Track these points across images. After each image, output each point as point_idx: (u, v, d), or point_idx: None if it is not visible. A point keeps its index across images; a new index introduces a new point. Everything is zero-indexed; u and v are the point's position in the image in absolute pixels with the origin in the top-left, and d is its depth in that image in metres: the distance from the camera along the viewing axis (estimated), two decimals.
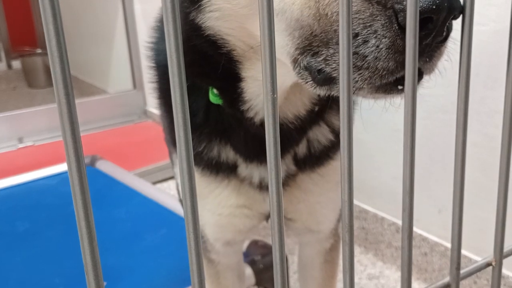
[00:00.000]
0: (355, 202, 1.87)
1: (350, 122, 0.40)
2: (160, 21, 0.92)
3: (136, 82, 3.12)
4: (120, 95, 3.15)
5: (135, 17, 3.01)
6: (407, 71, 0.42)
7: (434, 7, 0.48)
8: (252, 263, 1.42)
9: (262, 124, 0.77)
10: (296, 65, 0.60)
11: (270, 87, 0.36)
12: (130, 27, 3.03)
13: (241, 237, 1.02)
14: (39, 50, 4.04)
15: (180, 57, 0.32)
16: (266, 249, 1.47)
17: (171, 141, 0.96)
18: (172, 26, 0.31)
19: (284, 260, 0.41)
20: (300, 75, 0.61)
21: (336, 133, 0.90)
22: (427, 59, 0.55)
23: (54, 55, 0.28)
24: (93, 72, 3.69)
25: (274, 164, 0.38)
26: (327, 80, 0.59)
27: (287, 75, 0.68)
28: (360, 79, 0.55)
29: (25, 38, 4.16)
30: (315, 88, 0.61)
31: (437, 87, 1.50)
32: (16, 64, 4.23)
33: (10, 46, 4.30)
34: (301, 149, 0.88)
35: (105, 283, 1.22)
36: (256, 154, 0.84)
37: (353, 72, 0.54)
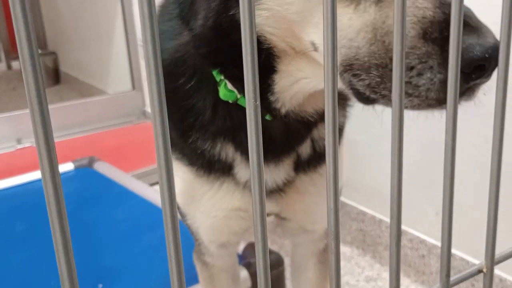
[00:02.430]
0: (353, 204, 1.86)
1: (335, 127, 0.39)
2: None
3: (135, 83, 3.12)
4: (119, 96, 3.14)
5: (134, 17, 3.01)
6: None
7: (487, 55, 0.56)
8: (248, 266, 1.41)
9: (286, 115, 0.78)
10: (342, 79, 0.66)
11: (253, 94, 0.36)
12: (129, 28, 3.03)
13: (236, 239, 1.02)
14: (39, 51, 4.03)
15: (158, 62, 0.32)
16: None
17: None
18: (150, 32, 0.31)
19: (267, 264, 0.40)
20: (346, 88, 0.67)
21: (338, 129, 0.90)
22: (471, 94, 0.62)
23: (24, 53, 0.27)
24: (92, 73, 3.69)
25: (257, 170, 0.37)
26: (369, 100, 0.65)
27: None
28: (409, 104, 0.61)
29: None
30: (359, 103, 0.67)
31: None
32: (16, 64, 4.22)
33: (10, 47, 4.30)
34: (305, 149, 0.88)
35: (100, 285, 1.21)
36: (263, 153, 0.83)
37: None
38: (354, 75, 0.63)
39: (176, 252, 0.34)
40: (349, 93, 0.67)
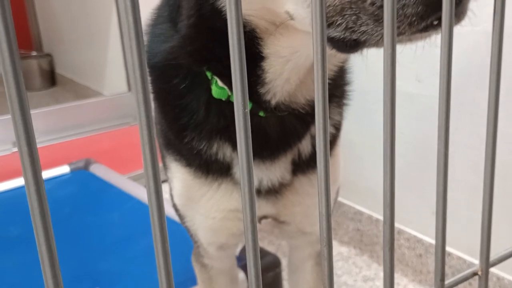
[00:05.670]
0: (350, 204, 1.86)
1: (326, 130, 0.39)
2: (149, 25, 0.91)
3: (131, 85, 3.11)
4: (115, 98, 3.13)
5: None
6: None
7: None
8: (245, 268, 1.41)
9: (276, 107, 0.77)
10: None
11: (242, 101, 0.35)
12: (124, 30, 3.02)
13: (234, 241, 1.01)
14: (34, 53, 4.03)
15: (144, 70, 0.31)
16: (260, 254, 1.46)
17: (164, 144, 0.95)
18: (135, 40, 0.30)
19: (258, 265, 0.40)
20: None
21: (335, 127, 0.90)
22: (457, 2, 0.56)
23: (5, 56, 0.27)
24: (88, 75, 3.68)
25: (247, 177, 0.37)
26: (351, 46, 0.60)
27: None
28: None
29: (20, 41, 4.14)
30: (343, 53, 0.63)
31: (431, 88, 1.49)
32: None
33: None
34: (306, 147, 0.87)
35: None
36: (258, 150, 0.83)
37: (379, 25, 0.55)
38: (329, 25, 0.59)
39: (164, 252, 0.33)
40: (328, 47, 0.62)
